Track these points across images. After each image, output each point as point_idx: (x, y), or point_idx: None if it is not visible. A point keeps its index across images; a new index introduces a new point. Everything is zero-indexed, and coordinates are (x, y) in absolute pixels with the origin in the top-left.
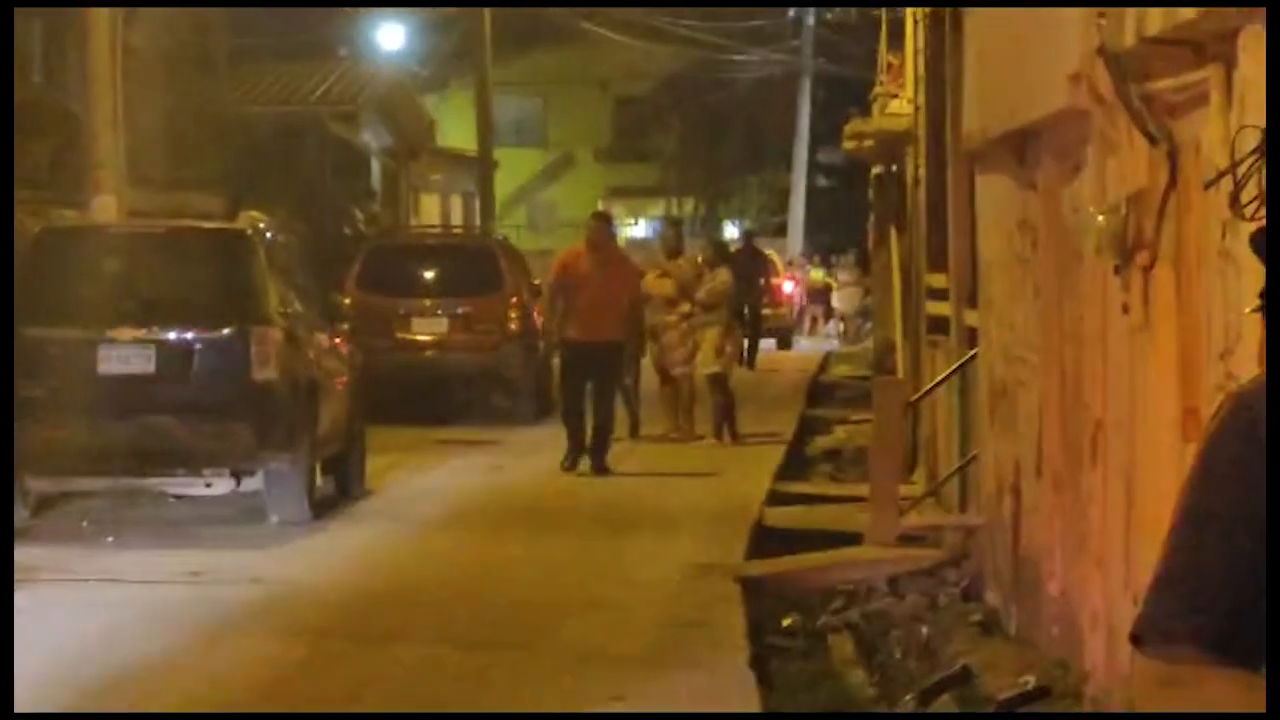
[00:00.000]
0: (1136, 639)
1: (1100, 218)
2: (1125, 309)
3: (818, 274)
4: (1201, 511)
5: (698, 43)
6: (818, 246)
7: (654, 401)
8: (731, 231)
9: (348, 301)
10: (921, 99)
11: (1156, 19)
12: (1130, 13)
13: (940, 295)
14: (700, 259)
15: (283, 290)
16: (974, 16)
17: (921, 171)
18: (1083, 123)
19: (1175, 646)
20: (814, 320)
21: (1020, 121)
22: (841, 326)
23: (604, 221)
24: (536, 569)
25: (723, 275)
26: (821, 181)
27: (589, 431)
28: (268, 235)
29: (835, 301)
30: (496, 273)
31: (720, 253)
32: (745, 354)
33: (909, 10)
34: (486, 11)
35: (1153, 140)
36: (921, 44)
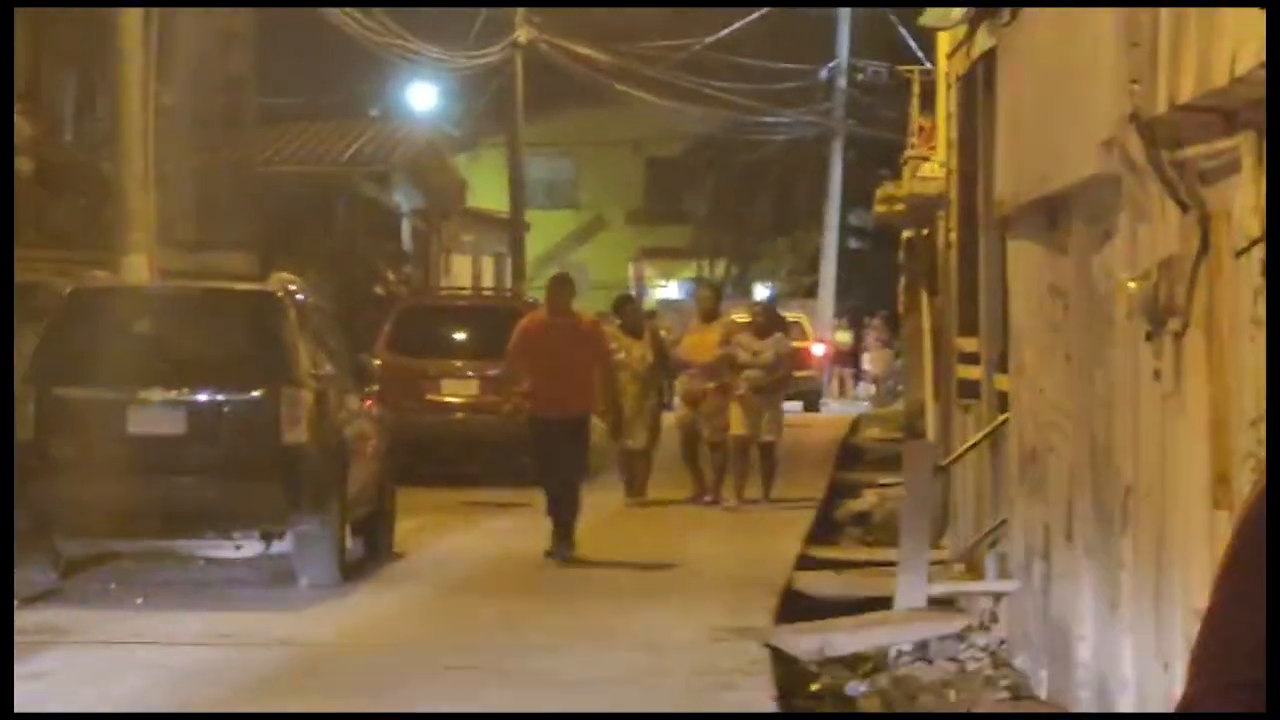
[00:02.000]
0: None
1: (1131, 284)
2: (1157, 375)
3: (846, 336)
4: (1235, 592)
5: (729, 104)
6: (847, 308)
7: (670, 465)
8: (761, 293)
9: (378, 362)
10: (954, 163)
11: (1188, 86)
12: (1163, 79)
13: (971, 359)
14: (744, 321)
15: (313, 351)
16: (1006, 80)
17: (953, 235)
18: (1114, 189)
19: None
20: (843, 382)
21: (1052, 187)
22: (872, 388)
23: (564, 284)
24: (566, 633)
25: (779, 339)
26: (852, 243)
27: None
28: (298, 296)
29: (866, 364)
30: None
31: (772, 319)
32: None
33: (941, 72)
34: (519, 70)
35: (1184, 207)
36: (953, 107)
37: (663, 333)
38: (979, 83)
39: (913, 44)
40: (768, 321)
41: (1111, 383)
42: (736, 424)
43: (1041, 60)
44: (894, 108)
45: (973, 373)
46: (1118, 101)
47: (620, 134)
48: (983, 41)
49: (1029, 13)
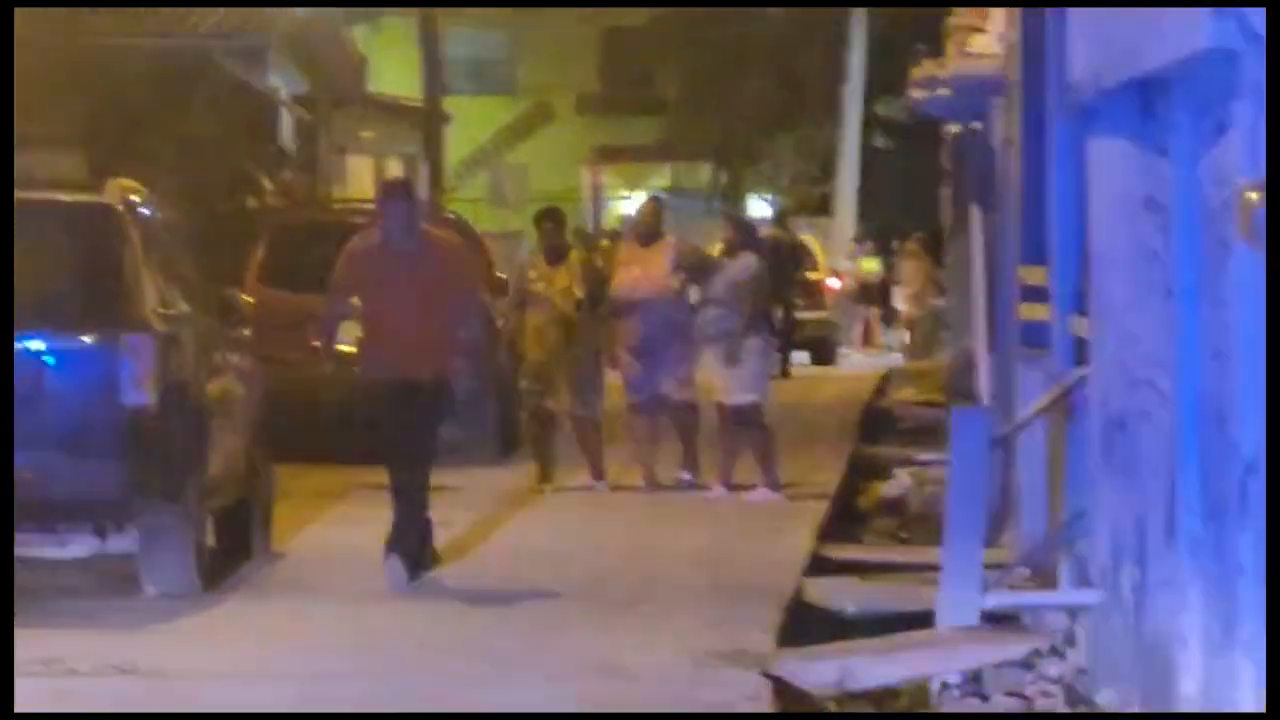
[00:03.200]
0: None
1: (1253, 194)
2: None
3: (872, 264)
4: None
5: None
6: (874, 228)
7: (616, 437)
8: (761, 209)
9: (248, 299)
10: (1014, 35)
11: None
12: None
13: (1039, 295)
14: (721, 245)
15: (163, 285)
16: None
17: (1014, 131)
18: (1231, 68)
19: None
20: (867, 327)
21: (1146, 66)
22: (906, 335)
23: (399, 191)
24: (503, 659)
25: (747, 262)
26: (879, 141)
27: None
28: (142, 210)
29: (898, 302)
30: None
31: (744, 235)
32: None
33: None
34: None
35: None
36: None
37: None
38: None
39: None
40: (739, 238)
41: (1227, 326)
42: (707, 385)
43: None
44: None
45: (1040, 313)
46: None
47: None
48: None
49: None
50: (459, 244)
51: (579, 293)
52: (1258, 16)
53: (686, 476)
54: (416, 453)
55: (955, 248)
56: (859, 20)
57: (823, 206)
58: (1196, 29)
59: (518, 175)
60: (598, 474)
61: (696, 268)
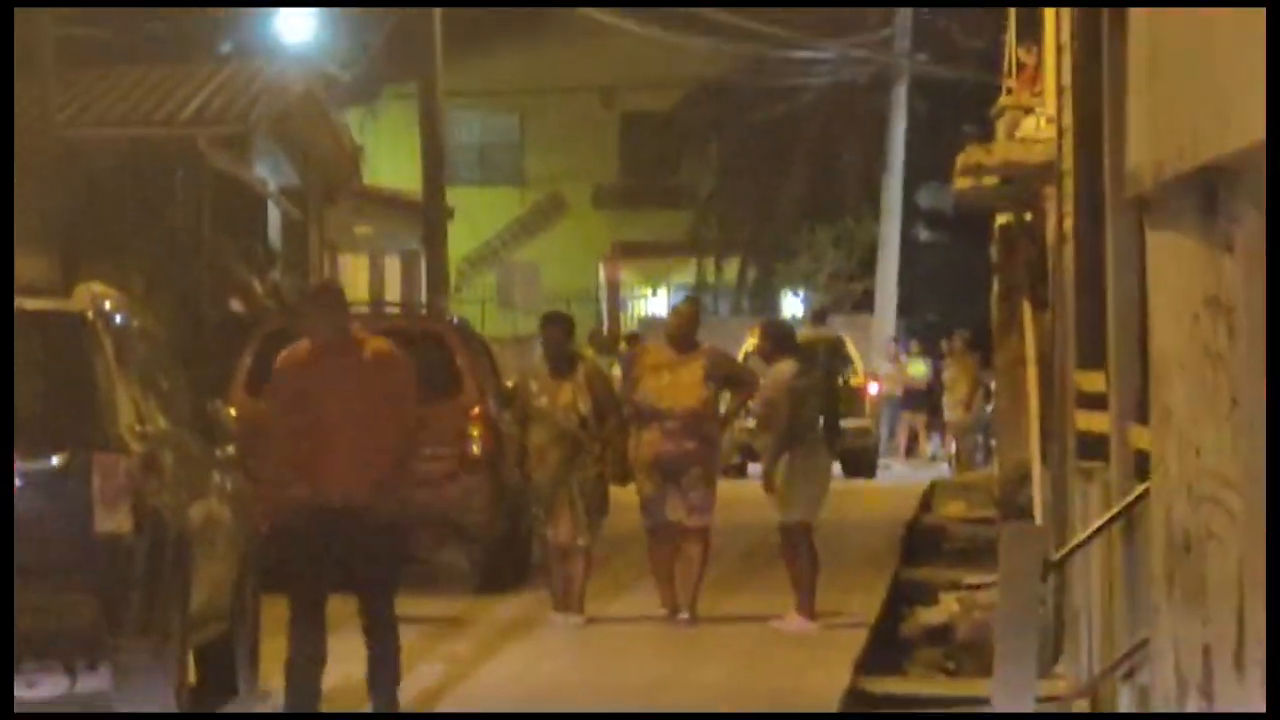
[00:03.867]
0: None
1: None
2: None
3: (919, 367)
4: None
5: (744, 34)
6: (918, 327)
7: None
8: (795, 306)
9: (234, 412)
10: (1067, 118)
11: None
12: None
13: (1096, 403)
14: (755, 350)
15: (139, 399)
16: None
17: (1069, 223)
18: None
19: None
20: (913, 435)
21: (1209, 156)
22: (953, 445)
23: (330, 297)
24: None
25: (786, 370)
26: (923, 234)
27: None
28: (116, 317)
29: (945, 407)
30: (449, 370)
31: (779, 341)
32: None
33: None
34: None
35: None
36: (1067, 38)
37: (613, 369)
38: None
39: None
40: (774, 343)
41: None
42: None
43: None
44: (983, 34)
45: (1098, 423)
46: None
47: (584, 78)
48: None
49: None
50: (399, 356)
51: (583, 408)
52: None
53: (684, 616)
54: (379, 596)
55: (1005, 349)
56: (900, 101)
57: (863, 304)
58: (1259, 115)
59: (527, 274)
60: (567, 605)
61: (731, 380)
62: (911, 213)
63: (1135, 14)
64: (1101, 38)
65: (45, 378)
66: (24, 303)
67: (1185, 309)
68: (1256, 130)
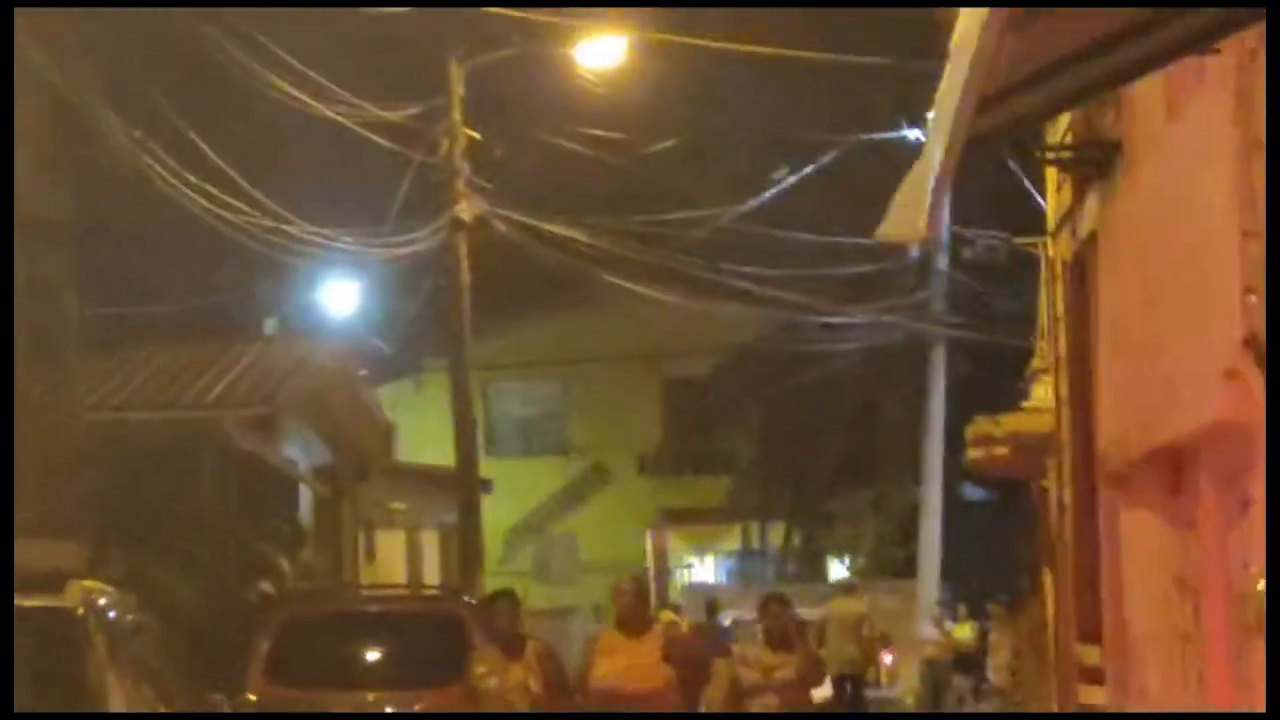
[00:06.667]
0: None
1: (1261, 584)
2: None
3: (965, 631)
4: None
5: (777, 301)
6: (963, 591)
7: None
8: (838, 571)
9: (252, 698)
10: (1064, 387)
11: None
12: None
13: (1095, 677)
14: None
15: (134, 696)
16: (1106, 275)
17: (1067, 494)
18: (1247, 439)
19: None
20: (961, 702)
21: (1167, 435)
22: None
23: None
24: None
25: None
26: (967, 495)
27: None
28: (110, 614)
29: (990, 673)
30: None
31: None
32: None
33: (1046, 254)
34: (463, 259)
35: None
36: (1061, 309)
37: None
38: (1091, 272)
39: (1040, 200)
40: (783, 622)
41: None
42: None
43: (1147, 247)
44: (1022, 296)
45: (1096, 696)
46: (1235, 318)
47: (626, 347)
48: (1092, 214)
49: (1132, 181)
50: None
51: (535, 687)
52: (1256, 384)
53: None
54: None
55: (1026, 617)
56: (939, 363)
57: (907, 568)
58: (1209, 398)
59: (566, 545)
60: None
61: (688, 661)
62: (954, 474)
63: (1100, 281)
64: (1090, 311)
65: (32, 676)
66: (19, 601)
67: (1155, 586)
68: (1202, 412)
